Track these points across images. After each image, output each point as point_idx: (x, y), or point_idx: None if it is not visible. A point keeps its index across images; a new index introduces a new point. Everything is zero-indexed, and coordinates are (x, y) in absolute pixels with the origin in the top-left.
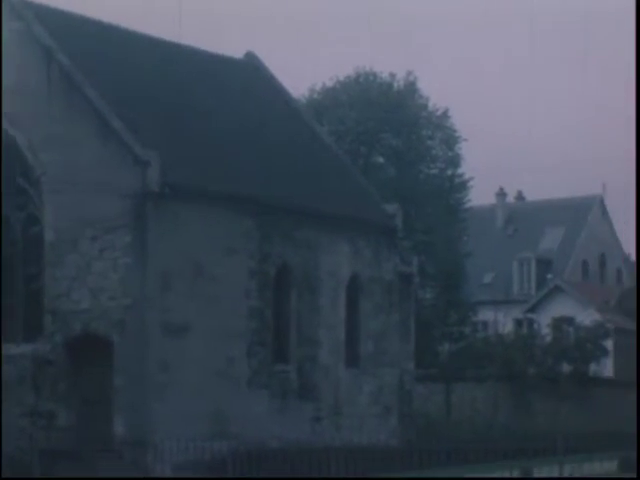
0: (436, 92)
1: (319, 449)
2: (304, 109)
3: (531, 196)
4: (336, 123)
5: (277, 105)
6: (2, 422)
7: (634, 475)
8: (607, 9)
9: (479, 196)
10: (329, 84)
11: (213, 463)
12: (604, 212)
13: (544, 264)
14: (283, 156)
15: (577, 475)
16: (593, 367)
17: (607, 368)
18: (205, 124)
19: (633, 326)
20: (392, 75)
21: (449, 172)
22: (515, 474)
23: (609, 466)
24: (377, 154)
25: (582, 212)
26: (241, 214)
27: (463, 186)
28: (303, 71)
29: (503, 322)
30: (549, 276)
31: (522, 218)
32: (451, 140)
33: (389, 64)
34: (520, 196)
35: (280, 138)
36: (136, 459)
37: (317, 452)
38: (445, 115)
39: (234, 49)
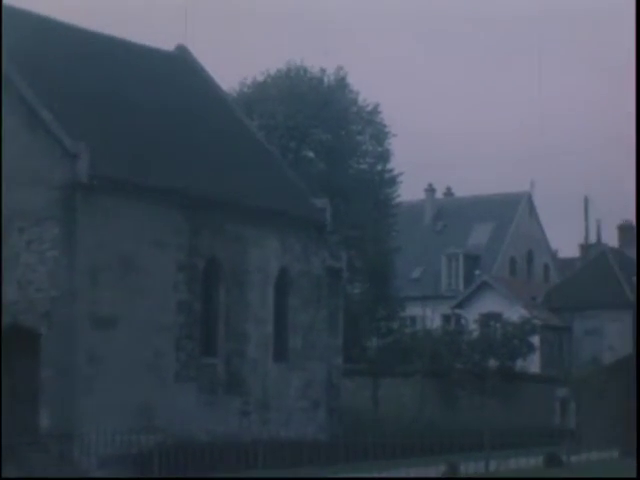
0: (366, 88)
1: (247, 443)
2: (234, 103)
3: (460, 192)
4: (266, 117)
5: (207, 98)
6: None
7: (560, 469)
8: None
9: (408, 192)
10: (260, 78)
11: (140, 456)
12: (532, 209)
13: (472, 260)
14: (213, 150)
15: (503, 470)
16: (520, 363)
17: (533, 364)
18: (135, 117)
19: (559, 322)
20: (322, 70)
21: (379, 167)
22: (441, 469)
23: (535, 462)
24: (307, 149)
25: (510, 208)
26: (170, 207)
27: (392, 181)
28: (235, 65)
29: (431, 317)
30: (477, 272)
31: (451, 214)
32: (381, 135)
33: (320, 59)
34: (449, 192)
35: (210, 132)
36: (62, 452)
37: (245, 446)
38: (375, 110)
39: (165, 42)
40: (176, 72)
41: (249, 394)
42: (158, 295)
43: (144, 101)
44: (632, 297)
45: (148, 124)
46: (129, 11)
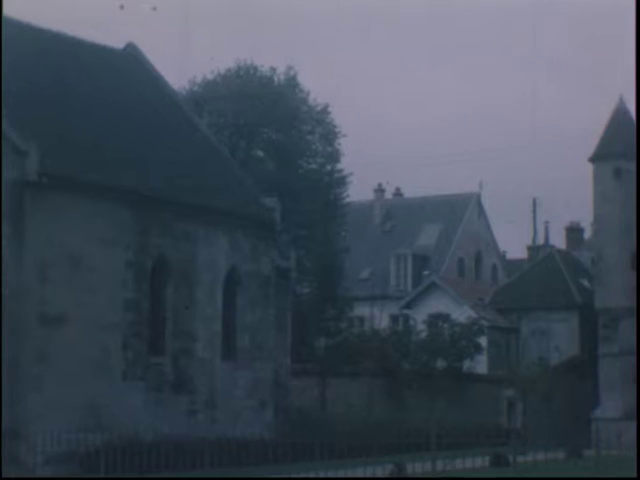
0: (316, 87)
1: (194, 442)
2: (184, 101)
3: (409, 193)
4: (216, 116)
5: (157, 96)
6: None
7: (507, 470)
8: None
9: (358, 192)
10: (210, 77)
11: (87, 455)
12: (480, 210)
13: (421, 260)
14: (162, 148)
15: (449, 470)
16: (467, 363)
17: (481, 364)
18: (84, 114)
19: (506, 323)
20: (273, 69)
21: (328, 167)
22: (388, 469)
23: (481, 462)
24: (257, 148)
25: (459, 209)
26: (119, 205)
27: (342, 181)
28: (185, 63)
29: (379, 318)
30: (425, 272)
31: (400, 214)
32: (331, 135)
33: (270, 58)
34: (398, 192)
35: (159, 130)
36: (9, 451)
37: (192, 445)
38: (325, 110)
39: (115, 39)
40: (126, 70)
41: (196, 393)
42: (106, 293)
43: (93, 99)
44: (579, 298)
45: (97, 122)
46: (79, 8)
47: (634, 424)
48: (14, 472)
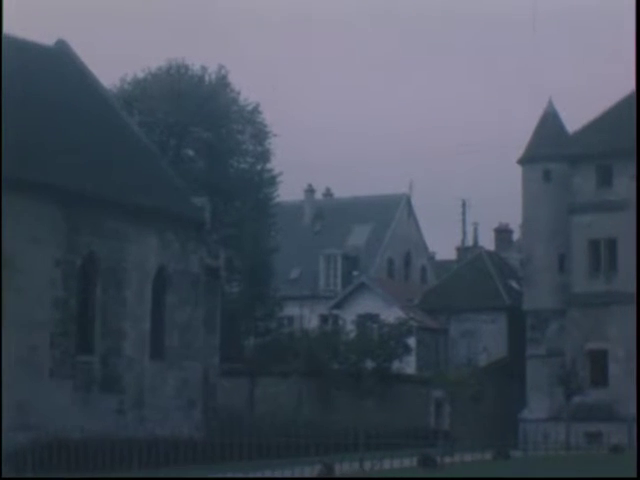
0: (247, 87)
1: (122, 441)
2: (114, 99)
3: (339, 193)
4: (146, 114)
5: (87, 94)
6: None
7: (434, 470)
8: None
9: (288, 192)
10: (140, 75)
11: (14, 454)
12: (410, 211)
13: (350, 261)
14: (92, 146)
15: (377, 470)
16: (396, 364)
17: (409, 365)
18: (13, 112)
19: (435, 324)
20: (204, 68)
21: (259, 167)
22: (316, 469)
23: (409, 462)
24: (187, 147)
25: (389, 210)
26: (48, 203)
27: (272, 181)
28: (116, 61)
29: (309, 318)
30: (355, 273)
31: (330, 215)
32: (261, 135)
33: (201, 57)
34: (328, 193)
35: (89, 128)
36: None
37: (120, 444)
38: (256, 110)
39: (45, 36)
40: (55, 67)
41: (125, 392)
42: (34, 291)
43: (22, 96)
44: (507, 300)
45: (26, 119)
46: (8, 4)
47: (561, 424)
48: None
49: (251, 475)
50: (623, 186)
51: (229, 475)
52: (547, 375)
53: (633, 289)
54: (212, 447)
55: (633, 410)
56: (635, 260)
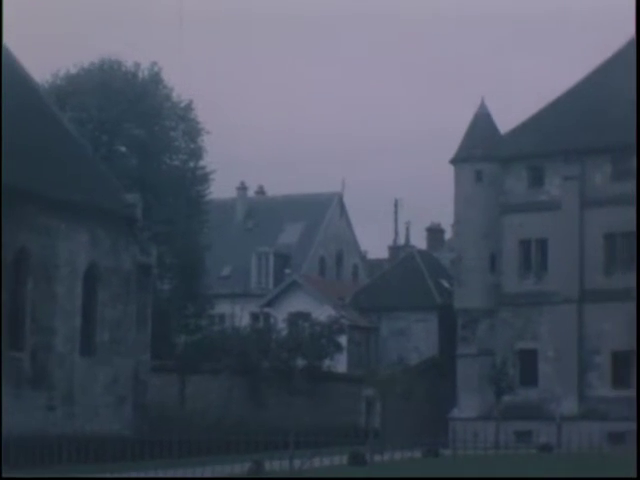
0: (180, 84)
1: (51, 437)
2: (46, 95)
3: (271, 191)
4: (78, 110)
5: (18, 89)
6: None
7: (364, 468)
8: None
9: (220, 189)
10: (73, 71)
11: None
12: (342, 209)
13: (282, 259)
14: (24, 141)
15: (307, 468)
16: (327, 362)
17: (340, 364)
18: None
19: (367, 323)
20: (137, 64)
21: (191, 164)
22: (246, 466)
23: (339, 460)
24: (119, 143)
25: (321, 209)
26: None
27: (204, 179)
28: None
29: (240, 315)
30: (287, 271)
31: (262, 213)
32: (194, 132)
33: (134, 53)
34: (261, 191)
35: (21, 123)
36: None
37: (49, 440)
38: (189, 107)
39: None
40: None
41: (55, 388)
42: None
43: None
44: (438, 299)
45: None
46: None
47: (490, 423)
48: None
49: (180, 473)
50: (554, 187)
51: (159, 473)
52: (477, 374)
53: (563, 289)
54: (142, 444)
55: (562, 409)
56: (566, 260)
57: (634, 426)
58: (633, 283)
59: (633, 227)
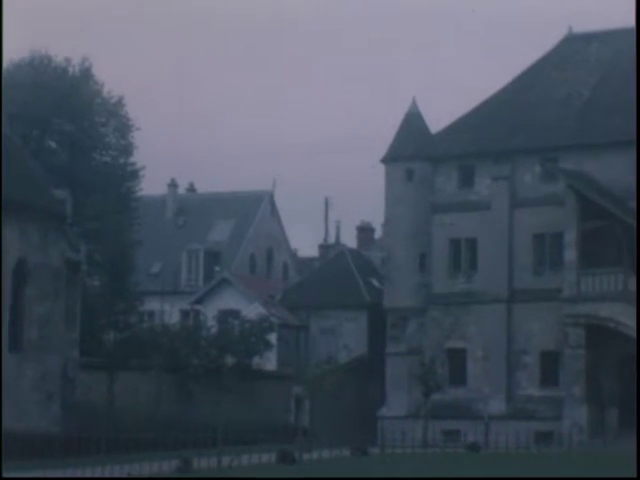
0: (111, 80)
1: None
2: None
3: (202, 188)
4: (7, 105)
5: None
6: None
7: (293, 466)
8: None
9: (151, 186)
10: (3, 66)
11: None
12: (273, 207)
13: (212, 256)
14: None
15: (235, 466)
16: (256, 360)
17: (270, 362)
18: None
19: (296, 321)
20: (67, 60)
21: (121, 160)
22: (174, 464)
23: (268, 458)
24: (49, 139)
25: (252, 206)
26: None
27: (135, 175)
28: None
29: (169, 312)
30: (217, 268)
31: (192, 210)
32: (125, 128)
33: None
34: (191, 188)
35: None
36: None
37: None
38: (120, 103)
39: None
40: None
41: None
42: None
43: None
44: (368, 298)
45: None
46: None
47: (419, 422)
48: None
49: (107, 470)
50: (484, 186)
51: (86, 471)
52: (406, 373)
53: (492, 288)
54: (70, 442)
55: (490, 408)
56: (496, 260)
57: (561, 426)
58: (561, 283)
59: (561, 228)
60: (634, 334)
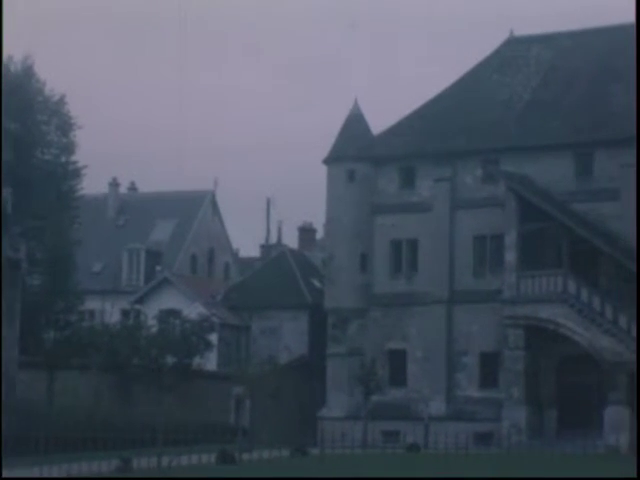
0: (53, 78)
1: None
2: None
3: (144, 188)
4: None
5: None
6: None
7: (232, 467)
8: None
9: (92, 185)
10: None
11: None
12: (215, 207)
13: (154, 256)
14: None
15: (175, 466)
16: (197, 360)
17: (210, 362)
18: None
19: (237, 321)
20: (9, 57)
21: (63, 159)
22: (114, 464)
23: (207, 458)
24: None
25: (193, 206)
26: None
27: (76, 174)
28: None
29: (110, 312)
30: (158, 268)
31: (134, 209)
32: (66, 127)
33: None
34: (133, 187)
35: None
36: None
37: None
38: (62, 101)
39: None
40: None
41: None
42: None
43: None
44: (309, 298)
45: None
46: None
47: (359, 423)
48: None
49: (46, 470)
50: (425, 188)
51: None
52: (347, 374)
53: (433, 290)
54: (8, 441)
55: (430, 409)
56: (436, 261)
57: (500, 427)
58: (501, 285)
59: (502, 229)
60: (573, 336)
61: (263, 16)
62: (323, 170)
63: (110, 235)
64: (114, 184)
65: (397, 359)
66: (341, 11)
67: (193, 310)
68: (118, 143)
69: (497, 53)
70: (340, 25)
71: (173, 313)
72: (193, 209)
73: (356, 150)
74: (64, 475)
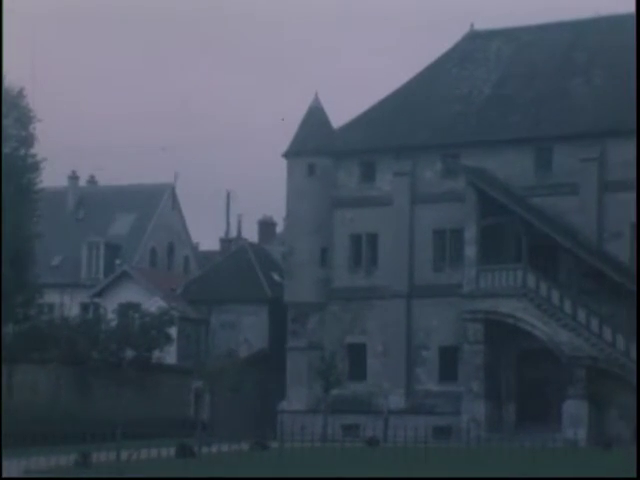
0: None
1: None
2: None
3: (103, 181)
4: None
5: None
6: None
7: (192, 460)
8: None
9: (51, 178)
10: None
11: None
12: (174, 201)
13: (113, 249)
14: None
15: (134, 460)
16: (157, 354)
17: (170, 355)
18: None
19: (197, 315)
20: None
21: (22, 152)
22: (73, 458)
23: (167, 452)
24: None
25: (153, 200)
26: None
27: (35, 167)
28: None
29: (69, 305)
30: (117, 262)
31: (93, 202)
32: (25, 119)
33: None
34: (92, 180)
35: None
36: None
37: None
38: (20, 94)
39: None
40: None
41: None
42: None
43: None
44: (269, 292)
45: None
46: None
47: (318, 417)
48: None
49: (4, 465)
50: (385, 182)
51: None
52: (307, 367)
53: (392, 284)
54: None
55: (389, 403)
56: (396, 256)
57: (459, 421)
58: (461, 279)
59: (462, 224)
60: (532, 330)
61: (221, 9)
62: (283, 164)
63: (69, 228)
64: (73, 177)
65: (357, 353)
66: (302, 4)
67: (153, 304)
68: (78, 136)
69: (457, 47)
70: (303, 18)
71: (132, 307)
72: (153, 203)
73: (316, 144)
74: (22, 469)
